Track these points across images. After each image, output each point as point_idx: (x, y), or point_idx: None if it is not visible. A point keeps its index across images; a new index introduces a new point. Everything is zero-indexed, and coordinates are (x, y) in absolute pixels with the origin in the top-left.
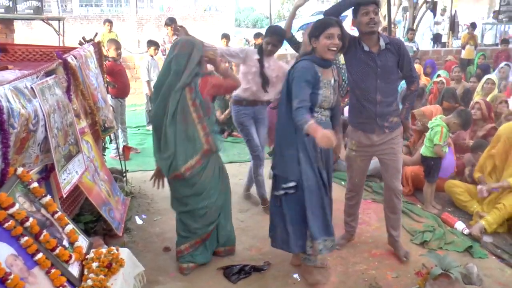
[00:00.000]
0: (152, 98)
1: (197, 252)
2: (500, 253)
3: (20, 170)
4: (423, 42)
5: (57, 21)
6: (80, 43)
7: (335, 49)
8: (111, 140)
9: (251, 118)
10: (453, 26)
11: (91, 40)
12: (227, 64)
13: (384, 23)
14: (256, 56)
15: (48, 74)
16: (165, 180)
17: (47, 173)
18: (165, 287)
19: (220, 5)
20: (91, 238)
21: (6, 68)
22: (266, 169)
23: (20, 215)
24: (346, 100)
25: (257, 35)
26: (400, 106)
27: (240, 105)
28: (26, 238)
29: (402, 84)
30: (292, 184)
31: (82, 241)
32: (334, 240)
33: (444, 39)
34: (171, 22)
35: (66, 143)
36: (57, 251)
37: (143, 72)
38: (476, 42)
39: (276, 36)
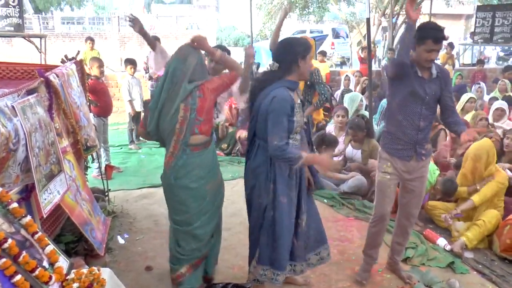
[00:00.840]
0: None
1: (198, 273)
2: (481, 268)
3: None
4: None
5: (39, 39)
6: (62, 61)
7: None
8: (93, 159)
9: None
10: None
11: (73, 58)
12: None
13: (364, 42)
14: None
15: (29, 92)
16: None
17: (28, 193)
18: None
19: (201, 24)
20: (72, 259)
21: None
22: None
23: None
24: (328, 117)
25: None
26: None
27: None
28: (4, 259)
29: (383, 103)
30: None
31: (63, 262)
32: (282, 273)
33: None
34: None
35: (48, 162)
36: (36, 272)
37: (125, 92)
38: (453, 62)
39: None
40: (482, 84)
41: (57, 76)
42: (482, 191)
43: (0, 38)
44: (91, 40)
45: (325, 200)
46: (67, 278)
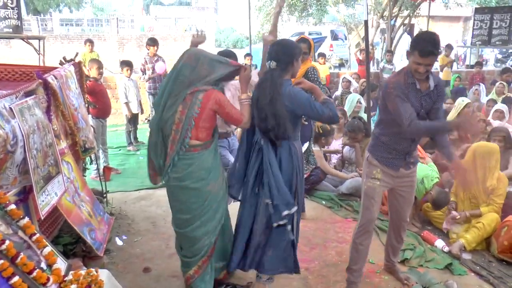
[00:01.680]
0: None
1: (207, 273)
2: (479, 269)
3: None
4: (401, 64)
5: (37, 40)
6: (61, 63)
7: None
8: (91, 161)
9: (226, 149)
10: None
11: (71, 60)
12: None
13: (363, 44)
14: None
15: (27, 94)
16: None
17: (26, 195)
18: None
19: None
20: (70, 260)
21: None
22: None
23: None
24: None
25: (247, 55)
26: None
27: None
28: (1, 261)
29: None
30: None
31: (61, 263)
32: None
33: None
34: (153, 42)
35: (46, 164)
36: (34, 274)
37: (121, 94)
38: (452, 64)
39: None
40: (482, 86)
41: (56, 78)
42: (491, 208)
43: None
44: (91, 42)
45: (324, 202)
46: (65, 279)
